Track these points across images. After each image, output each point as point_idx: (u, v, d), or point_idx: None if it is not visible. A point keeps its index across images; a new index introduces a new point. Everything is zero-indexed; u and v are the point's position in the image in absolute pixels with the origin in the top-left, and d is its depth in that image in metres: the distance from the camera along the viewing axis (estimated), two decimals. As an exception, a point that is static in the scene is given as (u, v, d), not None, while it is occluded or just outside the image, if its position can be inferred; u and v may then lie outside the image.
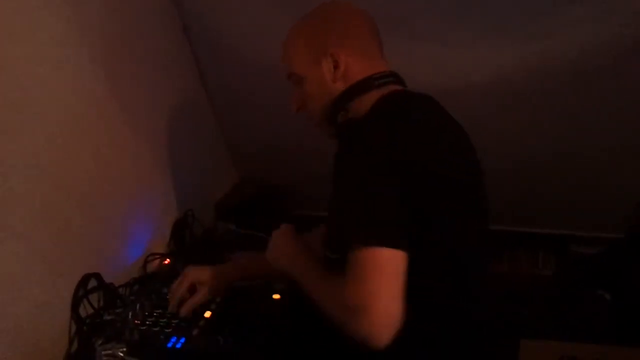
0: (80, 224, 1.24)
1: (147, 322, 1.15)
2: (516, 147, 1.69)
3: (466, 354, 0.98)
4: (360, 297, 0.79)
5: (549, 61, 1.45)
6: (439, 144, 0.96)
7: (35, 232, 1.10)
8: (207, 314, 1.17)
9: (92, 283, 1.24)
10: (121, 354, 1.05)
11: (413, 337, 0.86)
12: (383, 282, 0.80)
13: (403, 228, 0.84)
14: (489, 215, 1.05)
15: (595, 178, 1.72)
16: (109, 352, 1.05)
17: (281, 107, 1.70)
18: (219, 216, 1.77)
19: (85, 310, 1.20)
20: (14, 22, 1.06)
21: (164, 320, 1.16)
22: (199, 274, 1.20)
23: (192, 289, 1.19)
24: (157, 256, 1.48)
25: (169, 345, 1.09)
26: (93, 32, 1.29)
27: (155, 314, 1.18)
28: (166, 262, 1.47)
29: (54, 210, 1.15)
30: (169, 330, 1.13)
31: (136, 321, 1.15)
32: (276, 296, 1.25)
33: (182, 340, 1.10)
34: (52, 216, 1.15)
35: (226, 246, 1.59)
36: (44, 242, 1.12)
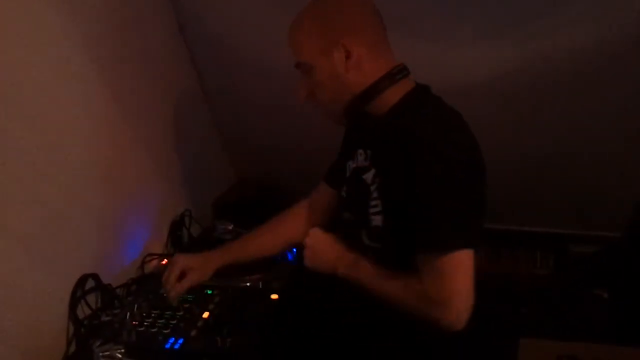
0: (78, 224, 1.23)
1: (145, 323, 1.15)
2: (516, 147, 1.68)
3: (465, 352, 0.99)
4: (446, 293, 0.90)
5: (549, 61, 1.45)
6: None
7: (33, 232, 1.10)
8: (205, 315, 1.17)
9: (90, 284, 1.24)
10: (119, 356, 1.05)
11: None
12: (464, 279, 0.91)
13: (479, 228, 0.94)
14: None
15: (595, 178, 1.72)
16: (107, 353, 1.05)
17: (278, 107, 1.70)
18: (216, 215, 1.77)
19: (82, 311, 1.20)
20: (13, 22, 1.06)
21: (162, 321, 1.15)
22: (187, 260, 1.21)
23: (183, 276, 1.20)
24: (155, 256, 1.48)
25: (167, 346, 1.09)
26: (92, 33, 1.28)
27: (153, 315, 1.17)
28: (164, 262, 1.46)
29: (52, 211, 1.15)
30: (167, 331, 1.12)
31: (134, 322, 1.15)
32: (274, 296, 1.24)
33: (180, 341, 1.10)
34: (49, 217, 1.14)
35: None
36: (41, 242, 1.12)
